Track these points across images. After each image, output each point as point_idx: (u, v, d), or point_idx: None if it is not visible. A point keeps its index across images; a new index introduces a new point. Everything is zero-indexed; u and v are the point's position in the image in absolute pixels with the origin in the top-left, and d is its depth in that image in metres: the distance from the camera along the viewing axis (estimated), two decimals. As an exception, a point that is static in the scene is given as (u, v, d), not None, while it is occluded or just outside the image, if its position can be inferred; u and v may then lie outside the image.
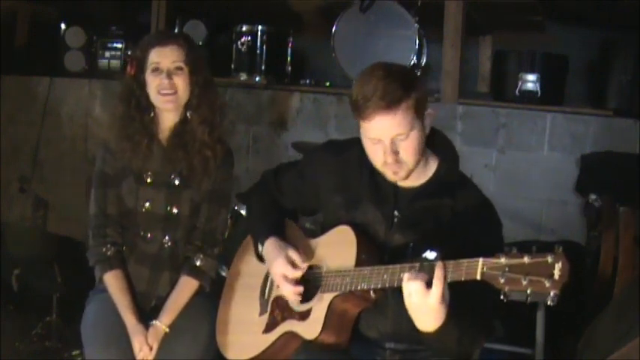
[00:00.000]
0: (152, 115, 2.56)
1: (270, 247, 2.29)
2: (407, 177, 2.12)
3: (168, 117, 2.57)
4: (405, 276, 1.87)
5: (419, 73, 4.23)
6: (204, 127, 2.54)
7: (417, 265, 1.91)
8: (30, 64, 4.68)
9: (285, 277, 2.21)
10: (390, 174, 2.11)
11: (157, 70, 2.49)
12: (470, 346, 2.08)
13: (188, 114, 2.55)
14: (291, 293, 2.22)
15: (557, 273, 1.69)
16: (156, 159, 2.57)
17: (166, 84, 2.48)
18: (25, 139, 4.55)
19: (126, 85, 2.57)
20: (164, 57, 2.49)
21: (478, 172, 3.79)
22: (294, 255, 2.22)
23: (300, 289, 2.20)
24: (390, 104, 2.01)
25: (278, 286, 2.27)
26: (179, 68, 2.50)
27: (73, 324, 2.71)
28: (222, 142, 2.60)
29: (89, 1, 4.79)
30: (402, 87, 2.01)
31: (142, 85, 2.53)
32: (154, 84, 2.50)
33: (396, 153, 2.05)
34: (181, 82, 2.50)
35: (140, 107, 2.54)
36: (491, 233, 2.11)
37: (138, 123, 2.53)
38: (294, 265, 2.21)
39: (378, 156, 2.09)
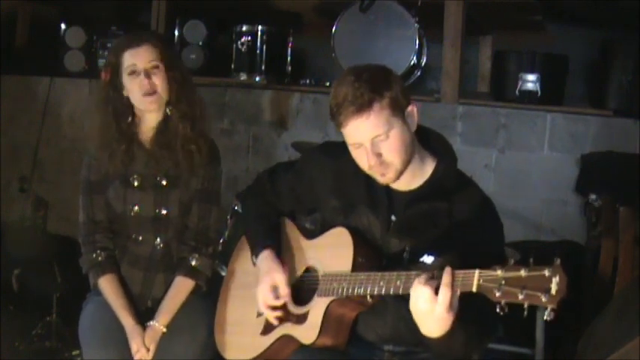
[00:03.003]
0: (130, 119, 2.55)
1: (262, 262, 2.28)
2: (397, 178, 2.09)
3: (150, 118, 2.56)
4: (415, 281, 1.84)
5: (419, 73, 4.24)
6: (185, 122, 2.53)
7: (422, 272, 1.87)
8: (30, 64, 4.67)
9: (265, 304, 2.22)
10: (378, 177, 2.09)
11: (134, 72, 2.48)
12: (476, 348, 2.05)
13: (168, 110, 2.55)
14: (269, 317, 2.23)
15: (554, 288, 1.66)
16: (140, 162, 2.56)
17: (146, 84, 2.47)
18: (25, 139, 4.55)
19: (101, 91, 2.57)
20: (139, 58, 2.48)
21: (478, 172, 3.79)
22: (279, 281, 2.21)
23: (278, 314, 2.21)
24: (360, 108, 2.00)
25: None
26: (155, 67, 2.49)
27: (72, 324, 2.71)
28: (205, 136, 2.59)
29: (89, 1, 4.79)
30: (370, 89, 2.00)
31: (119, 89, 2.52)
32: (135, 87, 2.49)
33: (378, 155, 2.03)
34: (160, 81, 2.49)
35: (117, 113, 2.53)
36: (492, 235, 2.09)
37: (114, 130, 2.52)
38: (277, 291, 2.21)
39: (362, 160, 2.07)
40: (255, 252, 2.31)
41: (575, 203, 3.82)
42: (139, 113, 2.56)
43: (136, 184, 2.56)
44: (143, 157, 2.56)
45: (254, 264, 2.33)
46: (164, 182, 2.57)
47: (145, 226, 2.57)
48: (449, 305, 1.79)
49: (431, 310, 1.81)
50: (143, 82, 2.47)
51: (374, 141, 2.02)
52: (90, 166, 2.59)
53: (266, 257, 2.28)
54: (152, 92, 2.48)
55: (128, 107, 2.54)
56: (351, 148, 2.10)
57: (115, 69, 2.51)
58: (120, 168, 2.54)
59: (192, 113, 2.55)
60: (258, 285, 2.25)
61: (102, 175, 2.57)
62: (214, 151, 2.63)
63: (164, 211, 2.57)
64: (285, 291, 2.21)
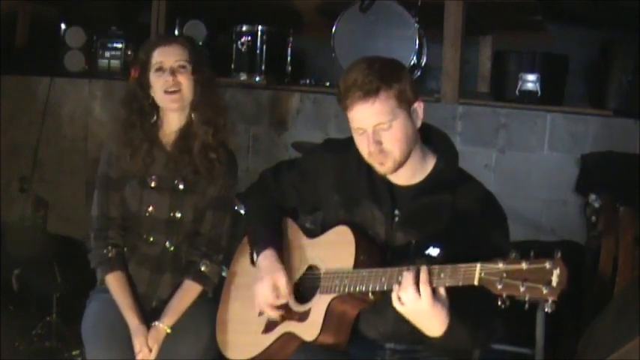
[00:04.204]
0: (155, 119, 2.56)
1: (263, 261, 2.28)
2: (395, 169, 2.11)
3: (173, 119, 2.57)
4: (394, 293, 1.89)
5: (419, 73, 4.24)
6: (207, 128, 2.54)
7: (405, 269, 1.91)
8: (30, 64, 4.68)
9: (266, 303, 2.23)
10: (377, 165, 2.11)
11: (160, 69, 2.50)
12: (486, 341, 2.07)
13: (192, 115, 2.55)
14: (270, 314, 2.24)
15: (555, 280, 1.68)
16: (159, 163, 2.57)
17: (170, 81, 2.48)
18: (25, 139, 4.55)
19: (129, 89, 2.59)
20: (167, 56, 2.50)
21: (478, 172, 3.74)
22: (280, 282, 2.22)
23: (279, 312, 2.22)
24: (367, 94, 2.03)
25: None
26: (182, 67, 2.50)
27: (73, 324, 2.71)
28: (225, 145, 2.60)
29: (89, 1, 4.79)
30: (380, 77, 2.04)
31: (146, 87, 2.53)
32: (158, 83, 2.50)
33: (379, 143, 2.06)
34: (185, 80, 2.50)
35: (142, 112, 2.54)
36: (495, 227, 2.11)
37: (138, 129, 2.54)
38: (278, 291, 2.21)
39: (363, 146, 2.10)
40: (257, 250, 2.32)
41: (575, 203, 3.82)
42: (162, 115, 2.57)
43: (153, 185, 2.57)
44: (163, 159, 2.57)
45: (253, 261, 2.34)
46: (181, 186, 2.57)
47: (157, 227, 2.57)
48: (431, 299, 1.83)
49: (418, 308, 1.85)
50: (167, 79, 2.48)
51: (376, 128, 2.05)
52: (109, 163, 2.59)
53: (267, 257, 2.28)
54: (175, 90, 2.49)
55: (153, 107, 2.55)
56: (354, 134, 2.13)
57: (144, 67, 2.53)
58: (141, 167, 2.54)
59: (216, 120, 2.56)
60: (256, 282, 2.26)
61: (121, 173, 2.58)
62: (233, 161, 2.65)
63: (178, 215, 2.57)
64: (286, 290, 2.21)
